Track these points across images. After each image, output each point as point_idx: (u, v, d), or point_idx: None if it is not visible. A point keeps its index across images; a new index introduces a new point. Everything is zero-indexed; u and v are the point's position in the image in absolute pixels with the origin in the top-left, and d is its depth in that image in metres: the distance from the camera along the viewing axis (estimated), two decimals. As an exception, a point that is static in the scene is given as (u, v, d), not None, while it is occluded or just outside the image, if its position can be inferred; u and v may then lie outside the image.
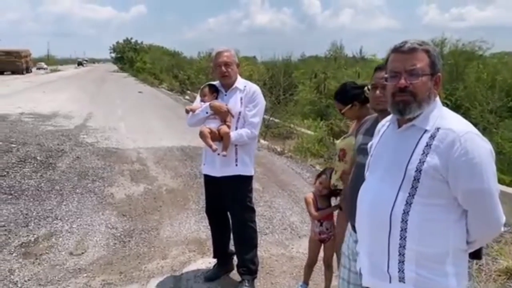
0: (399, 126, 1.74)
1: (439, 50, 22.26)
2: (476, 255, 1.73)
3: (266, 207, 5.66)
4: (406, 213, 1.61)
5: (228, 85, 3.44)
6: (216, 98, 3.43)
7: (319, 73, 10.55)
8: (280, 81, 12.91)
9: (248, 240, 3.57)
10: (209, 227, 4.97)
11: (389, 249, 1.66)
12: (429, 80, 1.65)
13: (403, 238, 1.62)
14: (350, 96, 2.91)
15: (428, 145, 1.60)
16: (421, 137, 1.63)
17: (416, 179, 1.59)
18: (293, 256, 4.25)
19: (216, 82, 3.53)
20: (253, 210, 3.60)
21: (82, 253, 4.26)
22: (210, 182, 3.57)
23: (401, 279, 1.65)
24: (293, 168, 7.95)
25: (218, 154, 3.33)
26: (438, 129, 1.60)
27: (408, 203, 1.61)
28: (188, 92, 25.11)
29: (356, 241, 2.37)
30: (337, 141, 3.32)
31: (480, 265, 3.94)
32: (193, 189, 6.40)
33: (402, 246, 1.63)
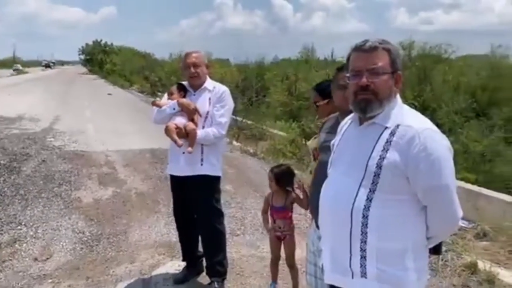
0: (361, 123, 1.76)
1: (407, 52, 22.98)
2: (436, 250, 1.76)
3: (237, 208, 5.64)
4: (366, 208, 1.63)
5: (197, 85, 3.42)
6: (184, 97, 3.40)
7: (291, 75, 10.61)
8: (253, 83, 12.94)
9: (215, 243, 3.52)
10: (179, 229, 4.98)
11: (350, 245, 1.68)
12: (390, 78, 1.67)
13: (364, 233, 1.64)
14: (329, 91, 2.89)
15: (388, 142, 1.62)
16: (381, 133, 1.65)
17: (377, 175, 1.61)
18: (263, 256, 4.25)
19: (185, 82, 3.50)
20: (219, 212, 3.53)
21: (47, 258, 4.14)
22: (176, 182, 3.53)
23: (363, 275, 1.66)
24: (266, 169, 7.90)
25: (183, 152, 3.29)
26: (398, 126, 1.63)
27: (369, 199, 1.63)
28: (159, 94, 24.81)
29: (320, 238, 2.40)
30: (309, 142, 3.33)
31: (445, 261, 4.04)
32: (163, 192, 6.30)
33: (363, 242, 1.64)
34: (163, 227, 5.01)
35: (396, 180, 1.60)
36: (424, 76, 19.45)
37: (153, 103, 3.50)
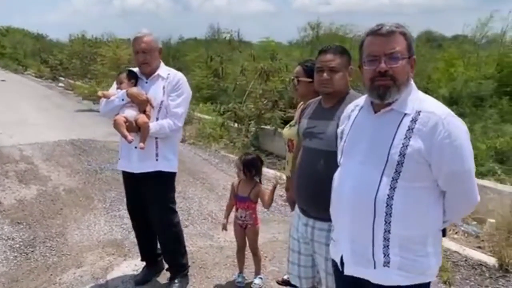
0: (375, 111, 1.72)
1: (315, 33, 23.79)
2: (442, 232, 1.82)
3: (181, 199, 5.43)
4: (390, 197, 1.61)
5: (149, 73, 3.14)
6: (135, 86, 3.11)
7: (215, 57, 10.41)
8: (170, 64, 12.46)
9: (173, 243, 3.33)
10: (123, 225, 4.68)
11: (373, 235, 1.66)
12: (407, 63, 1.66)
13: (387, 223, 1.63)
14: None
15: (410, 129, 1.60)
16: (401, 120, 1.63)
17: (400, 163, 1.60)
18: (222, 246, 4.16)
19: (136, 69, 3.21)
20: (173, 212, 3.32)
21: (-23, 273, 3.64)
22: (128, 178, 3.26)
23: (386, 264, 1.67)
24: (200, 155, 7.76)
25: (135, 147, 3.03)
26: (419, 112, 1.61)
27: (392, 188, 1.61)
28: (62, 78, 22.92)
29: (306, 225, 2.38)
30: (284, 131, 3.24)
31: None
32: (96, 186, 5.87)
33: (387, 231, 1.64)
34: (104, 225, 4.68)
35: (419, 167, 1.60)
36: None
37: (100, 95, 3.15)
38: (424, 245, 1.66)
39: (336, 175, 1.84)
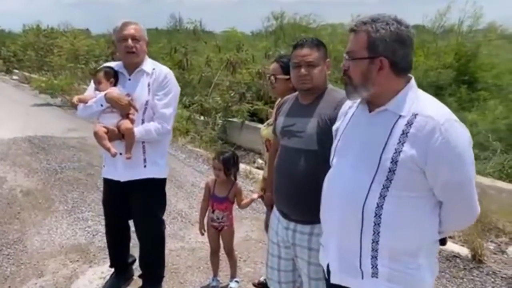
0: (370, 110, 1.60)
1: (279, 22, 23.74)
2: (442, 241, 1.69)
3: (148, 197, 5.24)
4: (379, 206, 1.50)
5: (133, 65, 2.81)
6: (115, 85, 2.80)
7: (179, 48, 10.08)
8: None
9: (155, 254, 3.14)
10: (87, 228, 4.43)
11: (361, 245, 1.56)
12: (367, 64, 1.56)
13: (376, 233, 1.52)
14: None
15: (404, 133, 1.47)
16: (395, 123, 1.50)
17: (392, 171, 1.47)
18: (193, 247, 4.00)
19: (115, 64, 2.89)
20: (162, 223, 3.10)
21: None
22: (112, 186, 2.99)
23: (374, 275, 1.57)
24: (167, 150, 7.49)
25: (121, 153, 2.75)
26: (415, 115, 1.48)
27: (382, 196, 1.50)
28: (16, 71, 21.83)
29: (286, 228, 2.27)
30: (261, 129, 3.09)
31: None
32: (56, 187, 5.55)
33: (375, 242, 1.53)
34: (66, 229, 4.41)
35: (413, 176, 1.47)
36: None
37: (76, 101, 2.83)
38: (415, 257, 1.54)
39: (327, 177, 1.72)
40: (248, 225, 4.54)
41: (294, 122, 2.24)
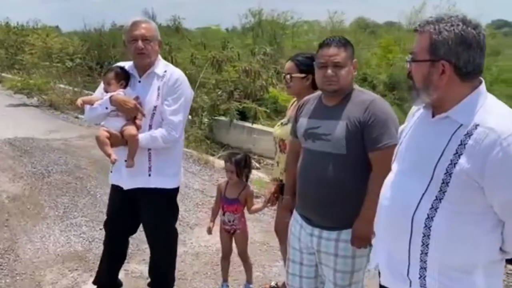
0: (433, 115, 1.52)
1: (257, 19, 23.76)
2: (511, 260, 1.63)
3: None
4: (430, 218, 1.43)
5: (145, 67, 2.65)
6: (125, 87, 2.66)
7: (164, 45, 9.86)
8: (110, 54, 11.72)
9: (168, 270, 2.99)
10: (82, 235, 4.27)
11: (409, 253, 1.51)
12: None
13: (425, 244, 1.46)
14: (308, 66, 2.53)
15: (462, 144, 1.37)
16: (454, 132, 1.41)
17: (445, 183, 1.39)
18: (197, 252, 3.90)
19: (127, 64, 2.75)
20: (174, 233, 2.96)
21: None
22: (118, 192, 2.85)
23: (422, 285, 1.51)
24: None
25: (125, 160, 2.61)
26: (476, 126, 1.37)
27: (434, 208, 1.43)
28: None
29: (311, 234, 2.22)
30: (274, 129, 3.02)
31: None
32: (44, 191, 5.32)
33: (424, 253, 1.47)
34: (60, 235, 4.23)
35: (469, 190, 1.37)
36: (276, 42, 20.26)
37: (80, 104, 2.69)
38: (469, 274, 1.46)
39: (386, 180, 1.66)
40: (250, 227, 4.41)
41: (319, 124, 2.18)
